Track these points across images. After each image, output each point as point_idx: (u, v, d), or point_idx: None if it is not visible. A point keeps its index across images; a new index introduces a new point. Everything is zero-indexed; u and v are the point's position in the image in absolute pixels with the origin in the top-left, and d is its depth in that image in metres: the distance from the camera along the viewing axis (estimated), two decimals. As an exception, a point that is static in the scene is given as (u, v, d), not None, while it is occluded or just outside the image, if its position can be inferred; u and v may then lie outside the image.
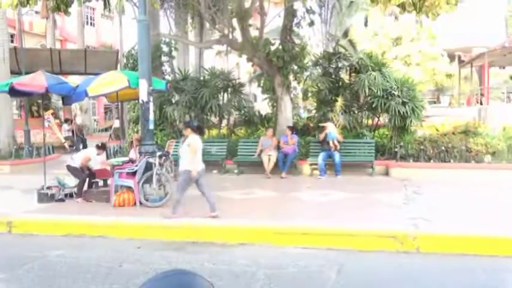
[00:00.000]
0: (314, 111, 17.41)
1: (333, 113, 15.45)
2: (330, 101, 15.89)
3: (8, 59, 17.71)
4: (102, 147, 11.41)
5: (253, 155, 14.50)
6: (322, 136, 13.93)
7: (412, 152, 13.86)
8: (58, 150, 20.77)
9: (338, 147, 13.79)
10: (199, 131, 8.97)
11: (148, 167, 10.09)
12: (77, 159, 10.97)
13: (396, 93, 14.62)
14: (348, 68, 16.26)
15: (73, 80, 13.29)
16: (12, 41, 32.39)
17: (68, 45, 40.87)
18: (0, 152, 17.14)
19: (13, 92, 10.83)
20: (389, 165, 13.86)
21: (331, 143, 13.98)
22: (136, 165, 10.12)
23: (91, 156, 11.05)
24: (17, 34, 26.48)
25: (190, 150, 8.55)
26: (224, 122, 17.94)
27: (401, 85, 14.83)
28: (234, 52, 24.57)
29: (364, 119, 15.92)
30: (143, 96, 10.31)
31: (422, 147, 13.81)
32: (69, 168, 10.87)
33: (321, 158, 13.73)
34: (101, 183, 11.56)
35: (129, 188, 10.06)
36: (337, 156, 13.61)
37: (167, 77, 18.97)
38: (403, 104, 14.45)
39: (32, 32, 36.24)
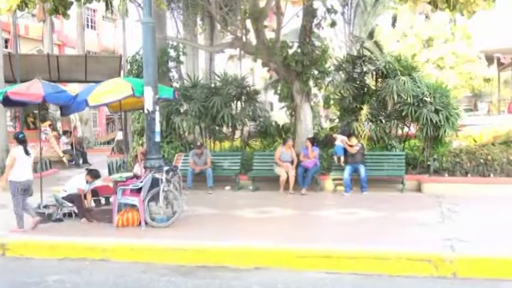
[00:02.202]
0: (337, 121, 17.34)
1: (357, 122, 15.39)
2: (354, 109, 15.82)
3: (2, 66, 17.91)
4: (94, 175, 11.32)
5: (271, 168, 14.46)
6: (352, 149, 13.83)
7: (447, 165, 13.73)
8: (56, 165, 20.92)
9: (341, 161, 13.89)
10: (21, 142, 10.05)
11: (155, 183, 10.11)
12: (69, 189, 11.03)
13: (428, 100, 14.52)
14: (374, 73, 16.19)
15: (72, 89, 13.41)
16: (6, 47, 32.89)
17: (67, 51, 41.36)
18: (-8, 167, 17.23)
19: (7, 101, 10.91)
20: (421, 180, 13.75)
21: (336, 159, 14.03)
22: (141, 182, 10.15)
23: (83, 188, 11.08)
24: (12, 39, 26.86)
25: (9, 161, 9.73)
26: (237, 133, 17.95)
27: (434, 91, 14.73)
28: (248, 56, 24.67)
29: (393, 128, 15.82)
30: (149, 105, 10.36)
31: (458, 159, 13.68)
32: (66, 199, 10.91)
33: (347, 173, 13.65)
34: (102, 201, 11.60)
35: (134, 207, 10.08)
36: (362, 171, 13.54)
37: (175, 84, 19.06)
38: (436, 111, 14.34)
39: (27, 37, 36.74)
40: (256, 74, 44.30)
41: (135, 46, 20.22)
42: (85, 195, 11.09)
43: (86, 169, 11.88)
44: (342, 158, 13.96)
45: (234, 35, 17.04)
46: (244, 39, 16.63)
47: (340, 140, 14.16)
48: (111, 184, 11.40)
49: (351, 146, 13.86)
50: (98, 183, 11.56)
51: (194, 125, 16.76)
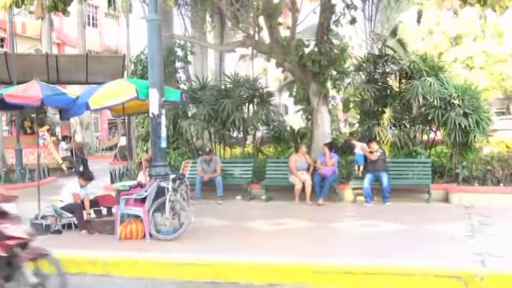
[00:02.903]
0: (357, 125, 17.30)
1: (379, 127, 15.34)
2: (375, 113, 15.78)
3: (-2, 67, 18.05)
4: (87, 178, 11.45)
5: (286, 177, 14.46)
6: (372, 155, 13.79)
7: (477, 173, 13.64)
8: (55, 172, 21.05)
9: (360, 171, 13.91)
10: None
11: (160, 192, 10.13)
12: (65, 198, 11.07)
13: (456, 102, 14.45)
14: (398, 73, 16.14)
15: (72, 91, 13.51)
16: (2, 46, 33.29)
17: (67, 50, 41.69)
18: (-13, 175, 17.38)
19: (3, 105, 10.99)
20: (449, 190, 13.67)
21: (356, 169, 14.02)
22: (145, 191, 10.18)
23: (78, 192, 11.13)
24: (8, 37, 27.09)
25: None
26: (249, 138, 17.97)
27: (463, 93, 14.66)
28: (261, 56, 24.70)
29: (418, 134, 15.75)
30: (154, 108, 10.39)
31: (489, 167, 13.58)
32: (64, 209, 10.95)
33: (367, 181, 13.60)
34: (104, 211, 11.64)
35: (138, 218, 10.11)
36: (385, 179, 13.48)
37: (182, 85, 19.13)
38: (465, 115, 14.27)
39: (25, 35, 37.05)
40: (269, 75, 44.37)
41: (140, 45, 20.30)
42: (82, 203, 11.11)
43: (78, 172, 11.96)
44: (362, 168, 13.94)
45: (245, 33, 17.08)
46: (256, 37, 16.66)
47: (359, 148, 14.13)
48: (113, 193, 11.43)
49: (371, 152, 13.83)
50: (99, 192, 11.60)
51: (203, 130, 16.80)
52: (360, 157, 14.04)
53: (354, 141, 14.51)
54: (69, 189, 11.24)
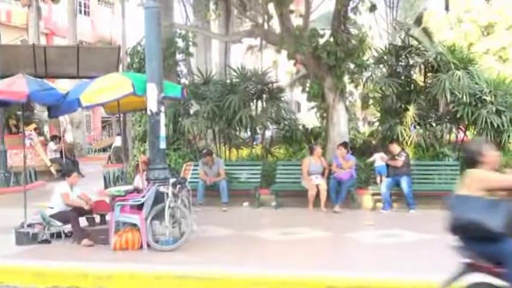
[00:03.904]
0: (377, 124, 17.28)
1: (402, 126, 15.32)
2: (398, 110, 15.77)
3: (-20, 59, 18.12)
4: (69, 171, 11.57)
5: (298, 181, 14.46)
6: (396, 162, 13.74)
7: (512, 177, 13.59)
8: (43, 176, 21.08)
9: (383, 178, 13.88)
10: None
11: (159, 198, 10.14)
12: (56, 204, 11.07)
13: (488, 98, 14.42)
14: (423, 66, 16.14)
15: (62, 86, 13.54)
16: (-15, 36, 33.36)
17: (56, 41, 41.80)
18: (-32, 179, 17.46)
19: (-14, 101, 11.07)
20: (480, 196, 13.60)
21: (378, 179, 14.03)
22: (143, 196, 10.19)
23: (68, 192, 11.14)
24: (-9, 27, 27.24)
25: None
26: (258, 138, 17.96)
27: (495, 88, 14.63)
28: (271, 47, 24.69)
29: (445, 133, 15.74)
30: (152, 105, 10.41)
31: (525, 171, 13.54)
32: (55, 217, 10.96)
33: (385, 186, 13.59)
34: (97, 219, 11.64)
35: (134, 226, 10.12)
36: (404, 184, 13.43)
37: (183, 80, 19.17)
38: (498, 113, 14.23)
39: (10, 24, 37.19)
40: (280, 68, 44.35)
41: (137, 35, 20.35)
42: (76, 210, 11.10)
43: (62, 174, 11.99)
44: (384, 177, 13.91)
45: (253, 21, 17.10)
46: (266, 26, 16.66)
47: (379, 159, 14.06)
48: (107, 199, 11.45)
49: (393, 158, 13.78)
50: (92, 198, 11.60)
51: (206, 129, 16.82)
52: (382, 168, 13.99)
53: (373, 157, 14.39)
54: (59, 191, 11.20)
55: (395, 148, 13.97)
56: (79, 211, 10.98)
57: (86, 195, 11.43)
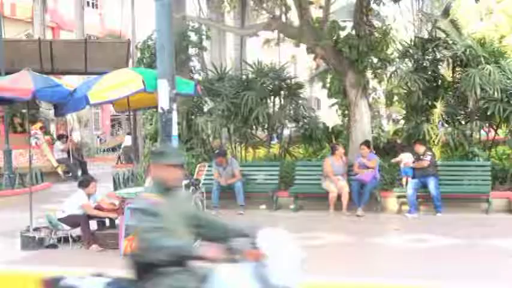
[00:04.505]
0: (402, 122, 17.21)
1: (429, 124, 15.25)
2: (424, 108, 15.72)
3: (-17, 55, 18.24)
4: (86, 182, 11.50)
5: (318, 183, 14.43)
6: (422, 162, 13.68)
7: (547, 179, 13.55)
8: (49, 177, 21.20)
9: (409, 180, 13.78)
10: None
11: (171, 200, 10.15)
12: (70, 209, 11.10)
13: (521, 94, 14.37)
14: (451, 60, 16.06)
15: (69, 82, 13.60)
16: (-12, 31, 33.61)
17: (63, 35, 42.03)
18: (-28, 180, 17.59)
19: (-12, 98, 11.15)
20: (512, 198, 13.59)
21: (404, 181, 13.95)
22: (154, 199, 10.20)
23: (89, 202, 11.16)
24: (-5, 21, 27.42)
25: None
26: (275, 137, 17.95)
27: (529, 83, 14.55)
28: (289, 41, 24.65)
29: (475, 132, 15.66)
30: (164, 103, 10.43)
31: (561, 172, 13.49)
32: (63, 221, 11.01)
33: (411, 187, 13.52)
34: (107, 222, 11.69)
35: (145, 230, 10.13)
36: (432, 186, 13.36)
37: (197, 75, 19.22)
38: (532, 110, 14.17)
39: (14, 18, 37.46)
40: (298, 63, 44.30)
41: (147, 29, 20.41)
42: (89, 216, 11.14)
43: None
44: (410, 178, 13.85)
45: (270, 13, 17.06)
46: (283, 18, 16.64)
47: (407, 159, 13.96)
48: (116, 202, 11.50)
49: (418, 159, 13.72)
50: (104, 200, 11.63)
51: (221, 128, 16.83)
52: (409, 169, 13.92)
53: (398, 158, 14.32)
54: (77, 201, 11.19)
55: (419, 148, 13.89)
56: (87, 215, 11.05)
57: (105, 201, 11.49)
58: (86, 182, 11.53)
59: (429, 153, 13.82)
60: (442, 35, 16.92)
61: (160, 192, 4.66)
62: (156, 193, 4.67)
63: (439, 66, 16.37)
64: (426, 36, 17.89)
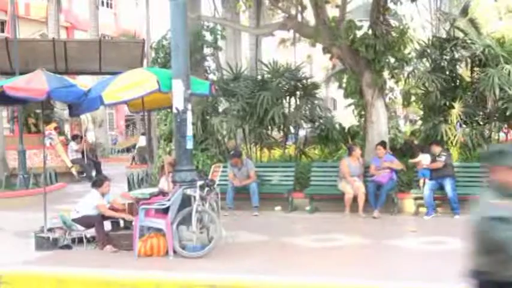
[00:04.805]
0: (419, 123, 17.16)
1: (447, 124, 15.20)
2: (442, 108, 15.66)
3: (-3, 55, 18.38)
4: (100, 181, 11.54)
5: (334, 184, 14.41)
6: (437, 163, 13.63)
7: None
8: (63, 177, 21.32)
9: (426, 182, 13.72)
10: None
11: (186, 201, 10.19)
12: (84, 209, 11.13)
13: (541, 95, 14.29)
14: (469, 60, 16.00)
15: (84, 82, 13.66)
16: (2, 30, 33.91)
17: (77, 34, 42.26)
18: (-15, 181, 17.71)
19: (3, 98, 11.20)
20: (532, 200, 13.45)
21: (421, 182, 13.88)
22: (168, 200, 10.24)
23: (103, 202, 11.18)
24: (9, 20, 27.60)
25: None
26: (291, 138, 17.93)
27: (549, 84, 14.46)
28: (305, 40, 24.66)
29: (494, 132, 15.59)
30: (178, 103, 10.47)
31: None
32: (77, 222, 11.05)
33: (427, 188, 13.47)
34: (121, 223, 11.72)
35: (159, 231, 10.17)
36: (449, 187, 13.31)
37: (211, 76, 19.22)
38: (552, 110, 14.08)
39: (28, 18, 37.70)
40: (314, 62, 44.29)
41: (162, 28, 20.48)
42: (104, 217, 11.18)
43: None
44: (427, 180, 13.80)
45: (286, 13, 17.08)
46: (299, 18, 16.64)
47: (425, 161, 13.89)
48: (126, 202, 11.55)
49: (435, 160, 13.67)
50: (117, 200, 11.67)
51: (236, 128, 16.84)
52: (427, 171, 13.86)
53: (416, 159, 14.27)
54: (91, 201, 11.23)
55: (435, 149, 13.84)
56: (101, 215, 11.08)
57: (118, 201, 11.54)
58: (99, 181, 11.57)
59: (444, 153, 13.76)
60: (461, 35, 16.87)
61: (504, 197, 4.16)
62: (501, 198, 4.16)
63: (457, 66, 16.32)
64: (444, 35, 17.85)
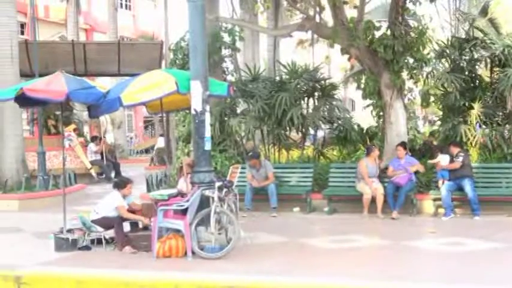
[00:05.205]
0: (438, 123, 17.08)
1: (466, 125, 15.13)
2: (461, 109, 15.59)
3: (17, 57, 18.47)
4: (123, 183, 11.52)
5: (352, 185, 14.38)
6: (455, 164, 13.55)
7: None
8: (83, 179, 21.42)
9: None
10: None
11: (204, 202, 10.21)
12: (104, 211, 11.16)
13: (562, 95, 14.19)
14: (489, 60, 15.92)
15: (102, 84, 13.73)
16: (22, 32, 34.11)
17: (96, 36, 42.47)
18: (5, 182, 17.77)
19: (23, 100, 11.29)
20: (553, 201, 13.41)
21: (440, 183, 13.75)
22: (187, 201, 10.26)
23: (124, 204, 11.21)
24: (29, 23, 27.79)
25: None
26: (309, 139, 17.91)
27: None
28: (323, 41, 24.63)
29: (514, 133, 15.50)
30: (197, 104, 10.48)
31: None
32: (97, 223, 11.09)
33: (445, 189, 13.38)
34: (140, 224, 11.76)
35: (178, 232, 10.19)
36: (468, 188, 13.23)
37: (230, 77, 19.24)
38: None
39: (48, 20, 37.93)
40: (333, 63, 44.21)
41: (180, 30, 20.52)
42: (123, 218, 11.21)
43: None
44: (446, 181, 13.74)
45: (304, 13, 17.05)
46: (317, 18, 16.62)
47: (444, 162, 13.83)
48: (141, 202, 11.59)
49: (453, 161, 13.60)
50: (135, 201, 11.71)
51: (254, 129, 16.84)
52: (446, 172, 13.80)
53: (436, 160, 14.20)
54: (112, 202, 11.25)
55: (454, 149, 13.77)
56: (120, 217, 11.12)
57: (137, 204, 11.59)
58: (122, 183, 11.56)
59: (462, 154, 13.67)
60: (480, 35, 16.80)
61: None
62: None
63: (477, 67, 16.24)
64: (463, 35, 17.77)
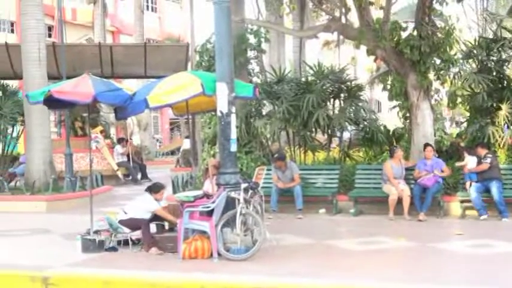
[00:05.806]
0: (465, 125, 16.96)
1: (494, 126, 15.01)
2: (489, 109, 15.48)
3: (45, 59, 18.67)
4: (159, 188, 11.55)
5: (379, 187, 14.31)
6: (483, 166, 13.44)
7: None
8: (109, 180, 21.55)
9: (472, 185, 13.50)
10: None
11: (230, 204, 10.21)
12: (134, 212, 11.21)
13: None
14: (517, 61, 15.80)
15: (129, 86, 13.81)
16: (49, 35, 34.48)
17: (122, 39, 42.74)
18: (33, 183, 17.96)
19: (51, 102, 11.38)
20: None
21: (467, 184, 13.61)
22: (213, 202, 10.27)
23: (158, 207, 11.24)
24: (56, 26, 28.05)
25: None
26: (335, 140, 17.86)
27: None
28: (349, 42, 24.56)
29: (543, 134, 15.35)
30: (222, 106, 10.50)
31: None
32: (124, 223, 11.14)
33: (474, 191, 13.28)
34: (166, 225, 11.80)
35: (204, 234, 10.21)
36: (495, 190, 13.11)
37: (255, 78, 19.25)
38: None
39: (75, 23, 38.31)
40: (359, 64, 44.09)
41: (206, 32, 20.57)
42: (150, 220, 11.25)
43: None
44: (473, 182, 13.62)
45: (330, 15, 17.04)
46: (343, 20, 16.58)
47: (472, 163, 13.71)
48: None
49: (480, 162, 13.49)
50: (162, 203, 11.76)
51: (280, 131, 16.85)
52: (473, 173, 13.68)
53: (462, 162, 14.08)
54: (144, 205, 11.28)
55: (481, 151, 13.66)
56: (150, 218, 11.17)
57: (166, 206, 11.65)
58: (156, 188, 11.56)
59: (489, 155, 13.55)
60: (508, 35, 16.64)
61: None
62: None
63: (505, 67, 16.11)
64: (491, 36, 17.62)
